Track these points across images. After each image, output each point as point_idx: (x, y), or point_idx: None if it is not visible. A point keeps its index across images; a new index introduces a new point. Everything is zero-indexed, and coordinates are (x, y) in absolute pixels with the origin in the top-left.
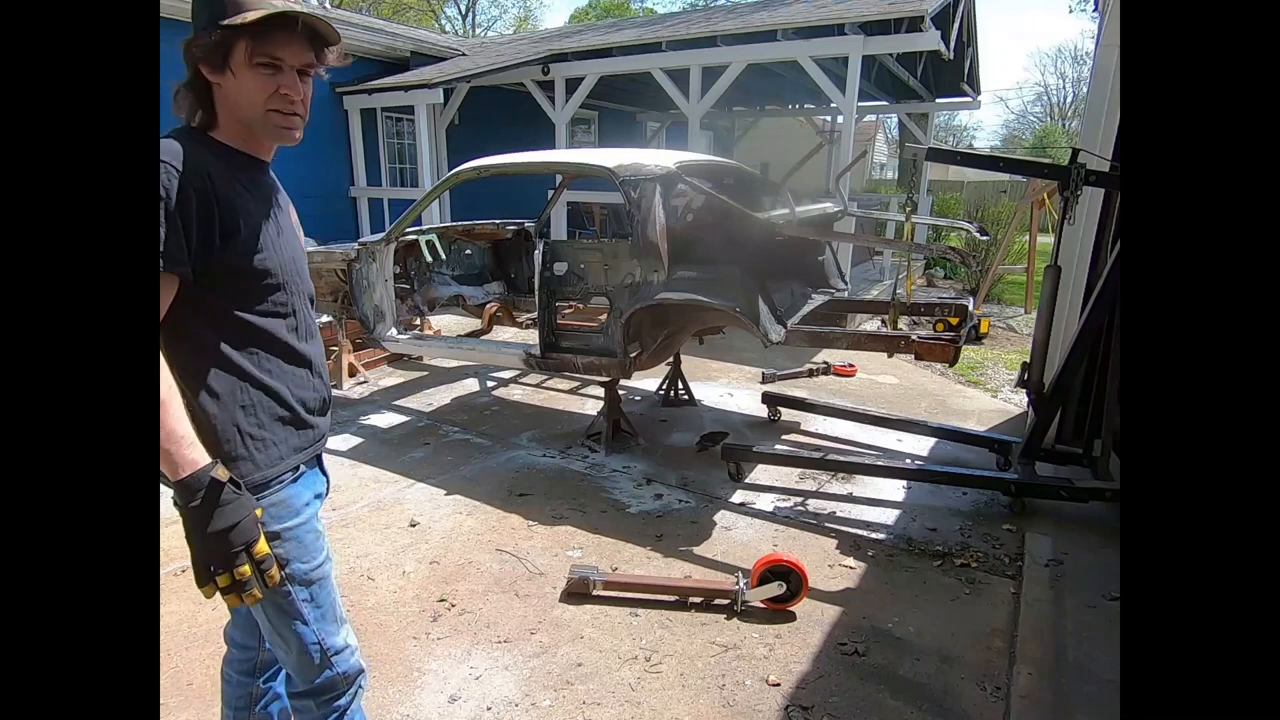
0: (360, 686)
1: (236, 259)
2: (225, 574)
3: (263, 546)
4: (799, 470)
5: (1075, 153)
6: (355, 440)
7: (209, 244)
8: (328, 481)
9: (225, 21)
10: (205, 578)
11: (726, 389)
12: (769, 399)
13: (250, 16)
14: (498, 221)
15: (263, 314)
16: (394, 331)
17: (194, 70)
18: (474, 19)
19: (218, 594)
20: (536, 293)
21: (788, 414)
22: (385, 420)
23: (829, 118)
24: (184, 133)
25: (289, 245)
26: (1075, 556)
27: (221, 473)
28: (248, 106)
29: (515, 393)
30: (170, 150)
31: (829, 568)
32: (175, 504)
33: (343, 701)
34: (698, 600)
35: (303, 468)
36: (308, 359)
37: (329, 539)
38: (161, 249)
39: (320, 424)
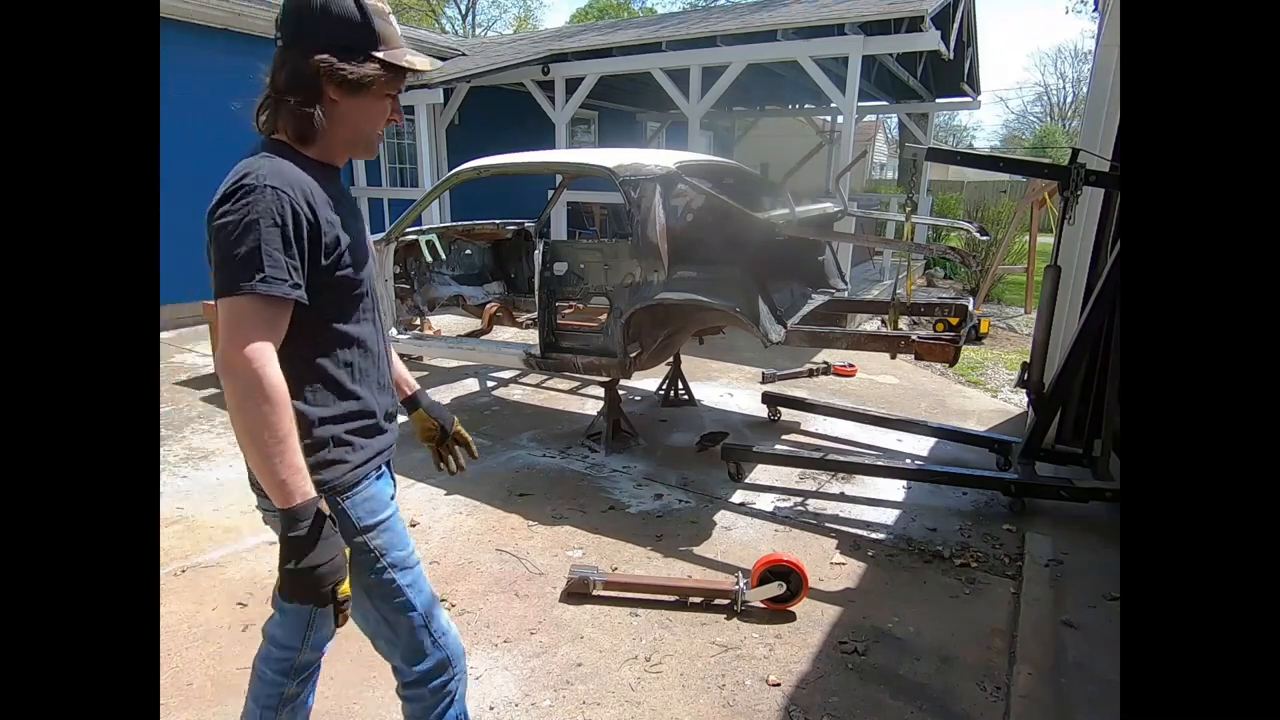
0: (462, 670)
1: (337, 273)
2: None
3: (346, 588)
4: (799, 470)
5: (1075, 153)
6: None
7: (315, 262)
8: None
9: (383, 57)
10: (291, 596)
11: (726, 389)
12: (769, 399)
13: (418, 64)
14: (498, 221)
15: (355, 322)
16: (394, 331)
17: (317, 88)
18: (474, 19)
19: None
20: (536, 293)
21: (788, 414)
22: None
23: (829, 118)
24: (275, 150)
25: (369, 251)
26: (1075, 556)
27: (324, 507)
28: (367, 127)
29: (515, 393)
30: (278, 174)
31: (829, 568)
32: (282, 531)
33: (452, 685)
34: (698, 600)
35: (384, 468)
36: (384, 365)
37: None
38: (284, 277)
39: (393, 430)
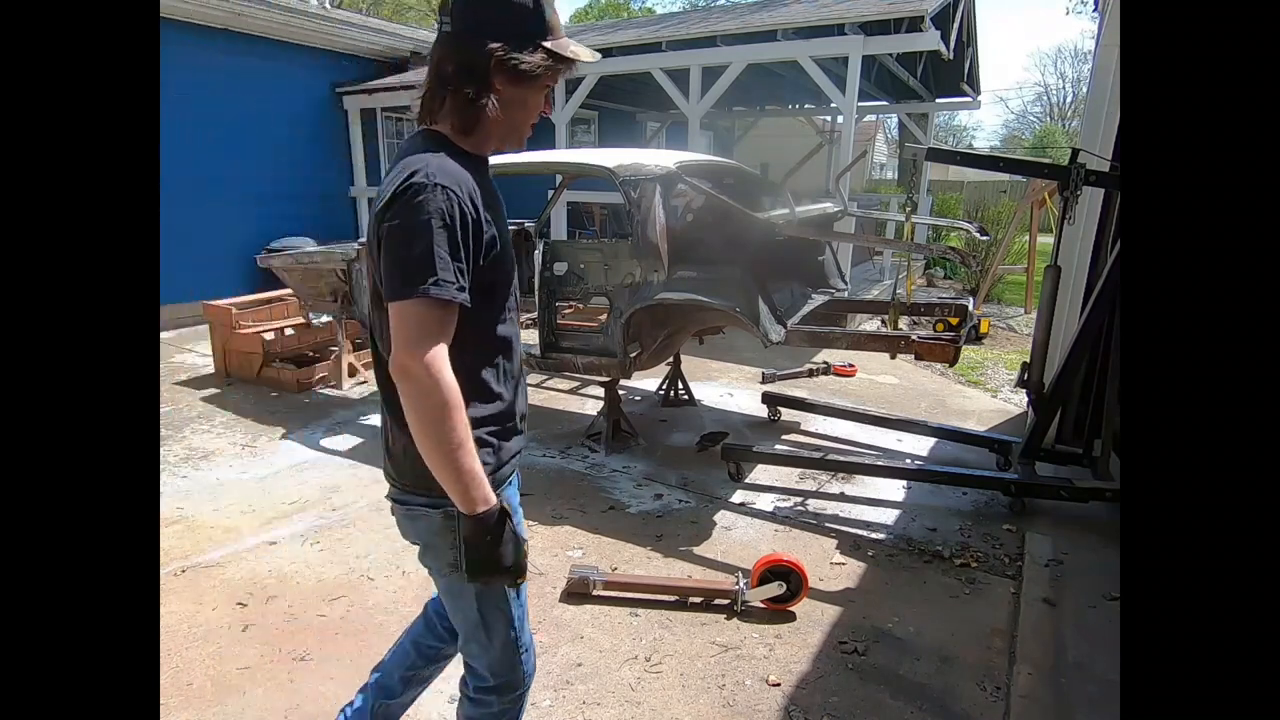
0: (528, 690)
1: (494, 272)
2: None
3: (524, 577)
4: (799, 470)
5: (1075, 153)
6: (355, 440)
7: (475, 262)
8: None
9: (551, 47)
10: (484, 579)
11: (726, 389)
12: (769, 399)
13: (583, 55)
14: None
15: (503, 322)
16: None
17: (488, 79)
18: None
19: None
20: (536, 293)
21: (788, 414)
22: None
23: (829, 118)
24: (435, 143)
25: (511, 248)
26: (1075, 556)
27: (503, 509)
28: (523, 118)
29: None
30: (445, 171)
31: (829, 568)
32: (460, 533)
33: (521, 702)
34: (698, 600)
35: (516, 473)
36: (521, 365)
37: (329, 539)
38: (453, 280)
39: (526, 432)
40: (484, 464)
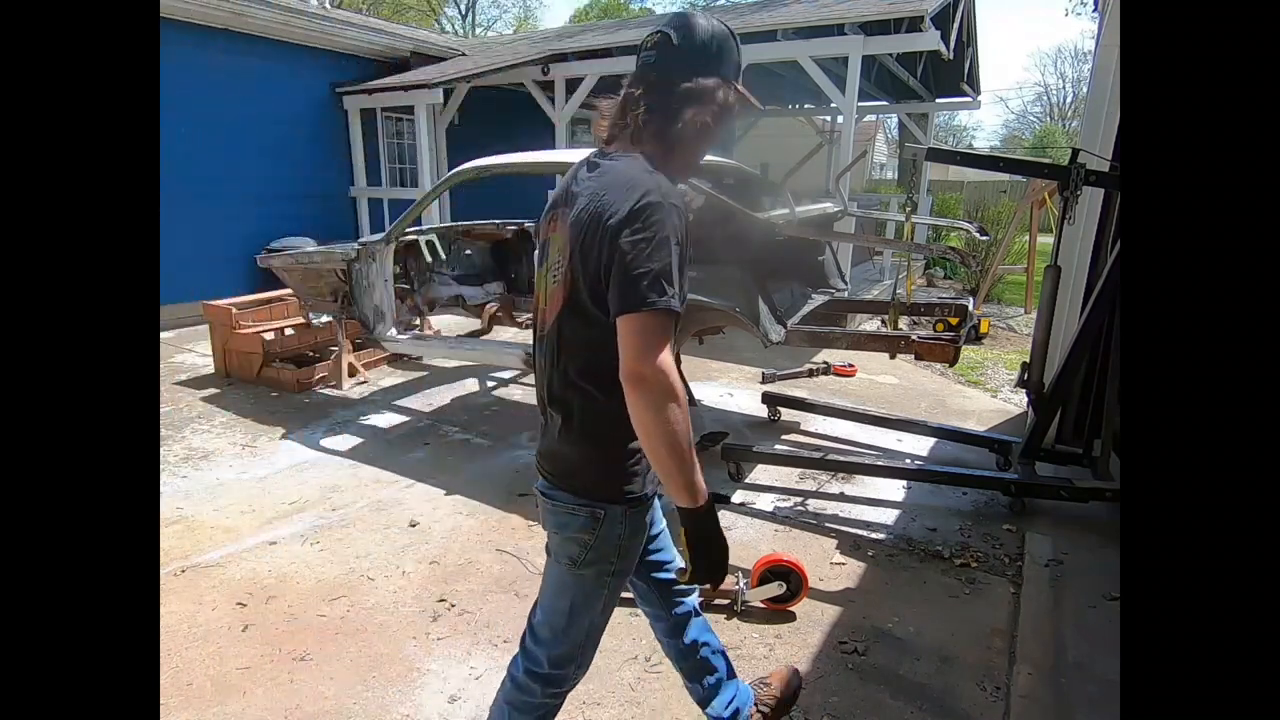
0: (572, 688)
1: (685, 287)
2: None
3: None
4: (799, 470)
5: (1075, 153)
6: (355, 440)
7: (684, 277)
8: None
9: (739, 88)
10: (706, 579)
11: (726, 389)
12: (769, 399)
13: (754, 101)
14: (498, 221)
15: (679, 332)
16: (394, 331)
17: (703, 110)
18: (474, 19)
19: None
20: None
21: (788, 414)
22: (385, 420)
23: (829, 118)
24: (650, 166)
25: None
26: (1075, 556)
27: (714, 495)
28: (705, 151)
29: (515, 393)
30: (672, 191)
31: (829, 568)
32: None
33: (562, 697)
34: (697, 600)
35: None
36: None
37: (329, 539)
38: (679, 292)
39: None
40: (641, 473)
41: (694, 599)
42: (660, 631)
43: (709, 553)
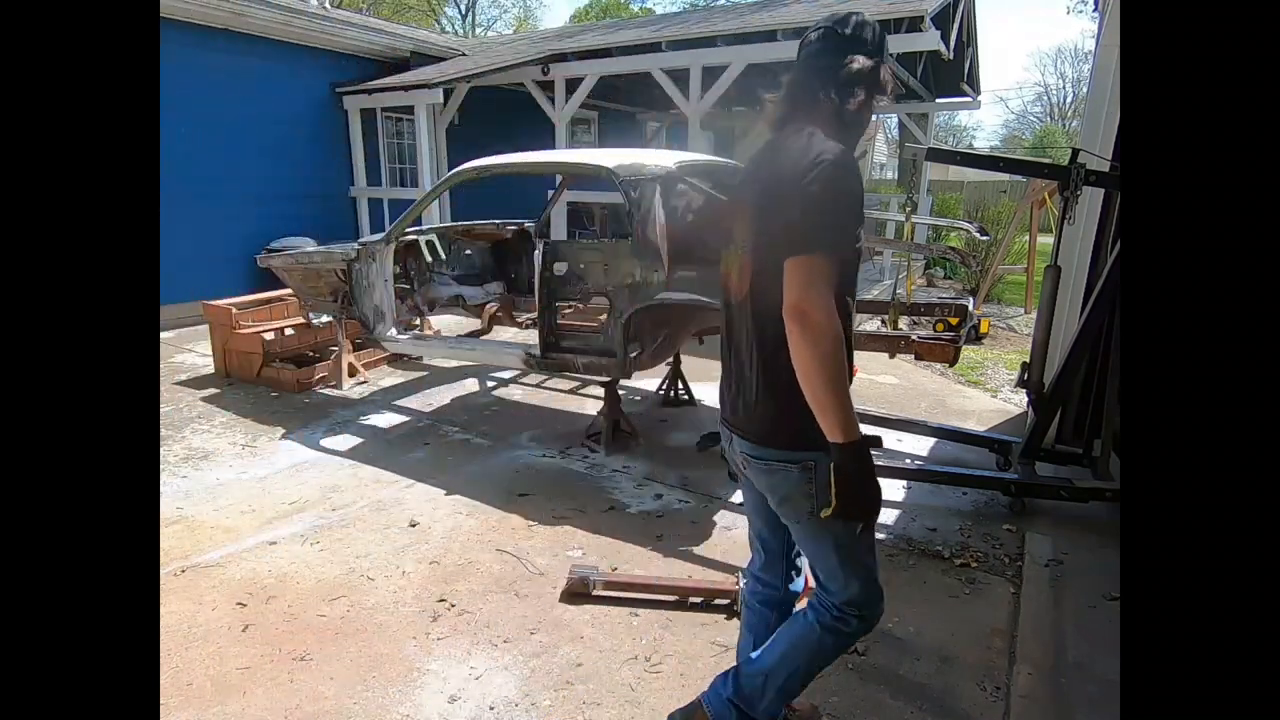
0: (879, 616)
1: (856, 245)
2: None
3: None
4: None
5: (1075, 153)
6: (355, 440)
7: (855, 236)
8: None
9: (893, 67)
10: (858, 516)
11: None
12: None
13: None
14: (498, 221)
15: (849, 294)
16: (394, 331)
17: (871, 90)
18: (474, 19)
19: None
20: (536, 293)
21: None
22: (385, 420)
23: None
24: (825, 139)
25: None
26: (1075, 556)
27: (866, 437)
28: (870, 118)
29: (515, 393)
30: (851, 159)
31: None
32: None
33: (871, 628)
34: (698, 600)
35: None
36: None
37: (329, 539)
38: (848, 244)
39: None
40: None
41: (802, 581)
42: (758, 599)
43: (862, 489)
